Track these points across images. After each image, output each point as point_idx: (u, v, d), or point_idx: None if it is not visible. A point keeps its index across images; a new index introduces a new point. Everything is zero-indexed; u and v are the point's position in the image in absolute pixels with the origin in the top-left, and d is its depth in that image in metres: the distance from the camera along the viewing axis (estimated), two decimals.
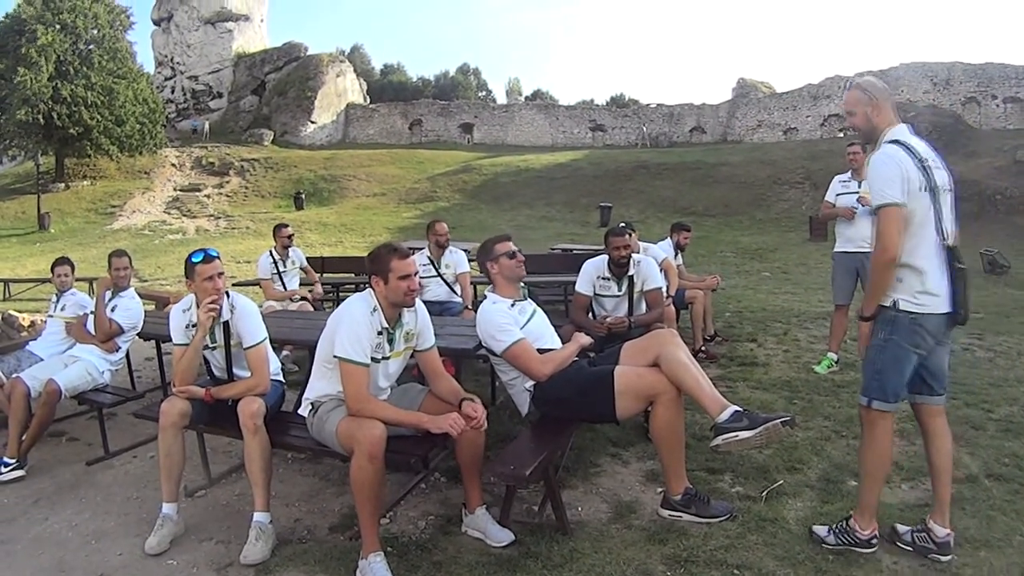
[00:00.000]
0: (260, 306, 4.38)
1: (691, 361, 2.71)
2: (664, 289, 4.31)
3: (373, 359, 2.52)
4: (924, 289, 2.24)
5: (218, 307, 2.84)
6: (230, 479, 3.31)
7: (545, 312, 3.25)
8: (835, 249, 4.98)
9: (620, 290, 3.96)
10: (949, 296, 2.27)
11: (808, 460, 3.22)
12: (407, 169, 24.58)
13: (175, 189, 23.50)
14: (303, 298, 5.78)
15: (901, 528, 2.46)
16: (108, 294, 4.07)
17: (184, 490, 3.01)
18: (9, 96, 21.05)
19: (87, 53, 23.45)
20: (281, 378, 3.13)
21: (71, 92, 21.72)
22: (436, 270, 5.20)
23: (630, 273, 3.93)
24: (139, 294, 4.32)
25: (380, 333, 2.55)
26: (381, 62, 47.05)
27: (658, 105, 31.17)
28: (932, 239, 2.26)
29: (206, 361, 3.03)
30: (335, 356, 2.47)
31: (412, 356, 2.76)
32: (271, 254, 5.90)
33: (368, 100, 34.27)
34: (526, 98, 42.48)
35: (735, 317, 7.21)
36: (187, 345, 2.87)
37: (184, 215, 21.03)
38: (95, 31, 24.03)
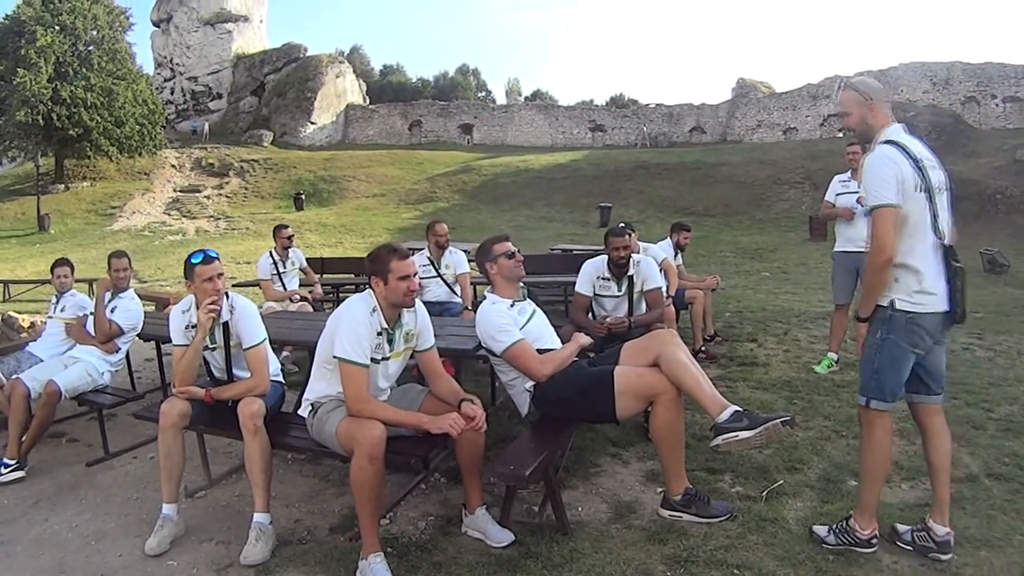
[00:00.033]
0: (260, 307, 4.39)
1: (691, 361, 2.71)
2: (664, 289, 4.31)
3: (373, 360, 2.52)
4: (921, 288, 2.25)
5: (218, 308, 2.84)
6: (230, 480, 3.31)
7: (545, 312, 3.25)
8: (835, 249, 4.98)
9: (620, 290, 3.96)
10: (946, 295, 2.27)
11: (808, 460, 3.22)
12: (407, 170, 24.59)
13: (175, 190, 23.50)
14: (303, 299, 5.78)
15: (901, 528, 2.46)
16: (108, 295, 4.07)
17: (184, 491, 3.01)
18: (8, 97, 21.06)
19: (86, 54, 23.45)
20: (281, 379, 3.13)
21: (70, 93, 21.71)
22: (436, 271, 5.20)
23: (630, 273, 3.94)
24: (139, 295, 4.32)
25: (380, 334, 2.55)
26: (380, 63, 47.14)
27: (657, 105, 31.18)
28: (929, 239, 2.26)
29: (206, 362, 3.03)
30: (335, 357, 2.47)
31: (412, 356, 2.76)
32: (271, 255, 5.91)
33: (368, 101, 34.27)
34: (526, 98, 42.49)
35: (735, 317, 7.21)
36: (187, 346, 2.87)
37: (184, 216, 21.03)
38: (94, 32, 24.04)
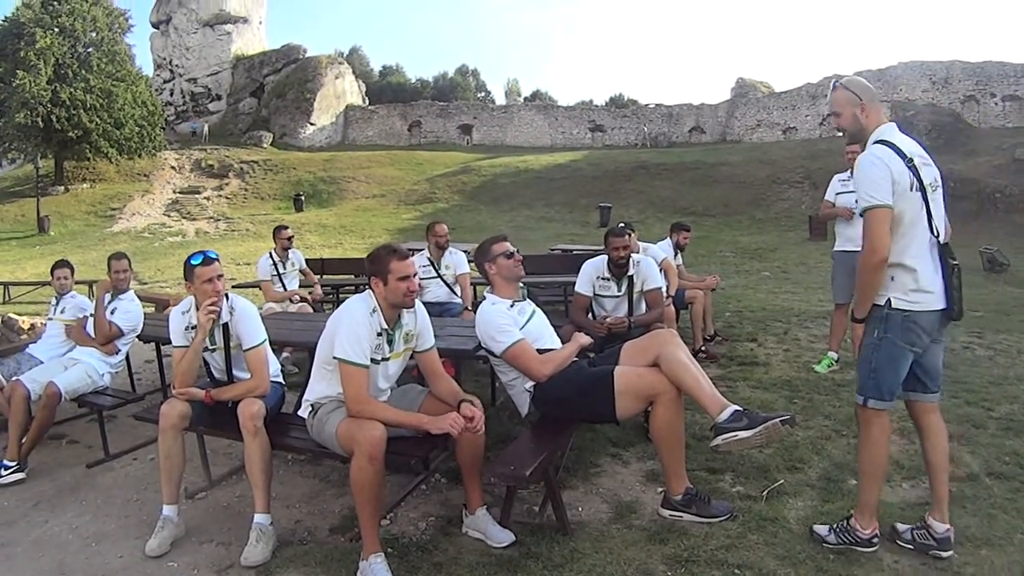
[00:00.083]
0: (260, 308, 4.38)
1: (691, 361, 2.71)
2: (664, 289, 4.31)
3: (373, 360, 2.51)
4: (917, 287, 2.25)
5: (218, 309, 2.84)
6: (230, 481, 3.30)
7: (545, 313, 3.24)
8: (835, 248, 4.99)
9: (620, 290, 3.96)
10: (943, 293, 2.27)
11: (809, 459, 3.22)
12: (406, 170, 24.60)
13: (174, 191, 23.51)
14: (303, 299, 5.78)
15: (901, 527, 2.46)
16: (108, 297, 4.07)
17: (184, 492, 3.01)
18: (8, 99, 21.08)
19: (86, 56, 23.47)
20: (281, 380, 3.13)
21: (70, 95, 21.73)
22: (436, 271, 5.20)
23: (630, 273, 3.94)
24: (139, 296, 4.32)
25: (380, 334, 2.55)
26: (380, 63, 47.23)
27: (657, 105, 31.21)
28: (924, 237, 2.26)
29: (206, 363, 3.03)
30: (335, 357, 2.47)
31: (412, 357, 2.76)
32: (271, 256, 5.91)
33: (367, 102, 34.29)
34: (525, 99, 42.51)
35: (735, 317, 7.21)
36: (187, 347, 2.87)
37: (184, 217, 21.04)
38: (94, 34, 24.06)
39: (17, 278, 12.23)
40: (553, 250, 9.55)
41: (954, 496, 2.72)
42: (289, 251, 6.00)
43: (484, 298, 3.07)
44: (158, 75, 32.67)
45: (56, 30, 22.44)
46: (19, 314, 6.85)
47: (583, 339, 3.06)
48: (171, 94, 32.22)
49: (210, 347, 2.94)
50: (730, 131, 28.67)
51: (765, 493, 2.86)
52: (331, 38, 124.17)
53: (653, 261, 4.17)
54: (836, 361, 4.91)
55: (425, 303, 3.32)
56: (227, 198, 23.03)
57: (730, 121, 28.90)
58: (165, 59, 32.84)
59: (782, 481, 2.97)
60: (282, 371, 3.25)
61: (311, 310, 5.60)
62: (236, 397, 2.78)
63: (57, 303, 4.16)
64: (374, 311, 2.54)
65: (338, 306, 2.89)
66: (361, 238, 16.90)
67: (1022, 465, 3.09)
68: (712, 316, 6.00)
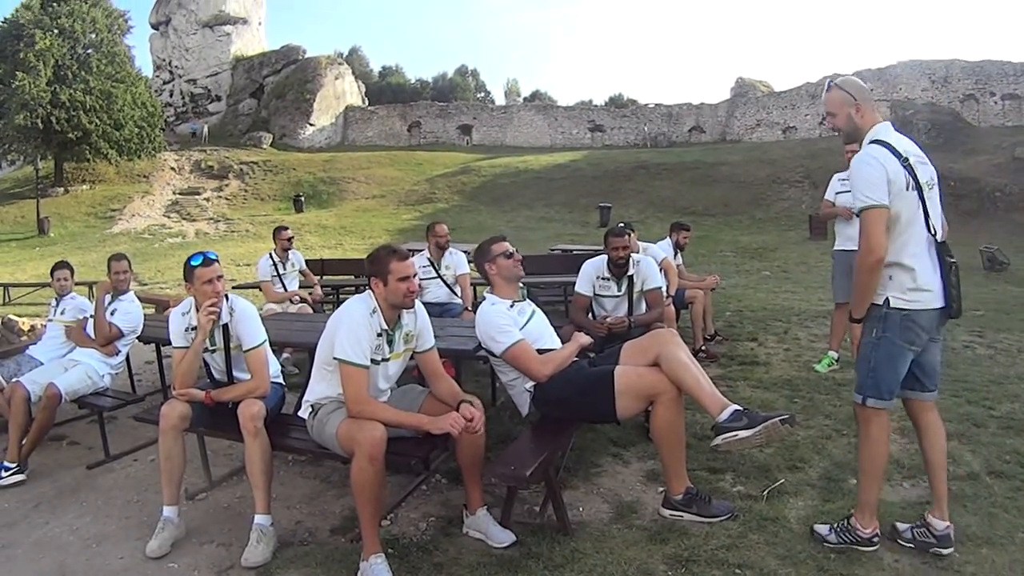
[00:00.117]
0: (260, 309, 4.39)
1: (691, 361, 2.71)
2: (664, 289, 4.31)
3: (373, 361, 2.51)
4: (916, 286, 2.25)
5: (218, 310, 2.84)
6: (231, 482, 3.30)
7: (545, 313, 3.25)
8: (835, 247, 4.98)
9: (620, 290, 3.96)
10: (941, 291, 2.27)
11: (809, 459, 3.22)
12: (406, 171, 24.60)
13: (174, 193, 23.51)
14: (303, 300, 5.79)
15: (901, 526, 2.46)
16: (108, 298, 4.07)
17: (185, 493, 3.00)
18: (8, 101, 21.10)
19: (85, 57, 23.48)
20: (281, 380, 3.13)
21: (69, 96, 21.73)
22: (436, 272, 5.20)
23: (630, 273, 3.94)
24: (139, 297, 4.32)
25: (380, 335, 2.55)
26: (380, 64, 47.24)
27: (657, 105, 31.21)
28: (921, 236, 2.27)
29: (206, 364, 3.03)
30: (335, 358, 2.47)
31: (412, 358, 2.76)
32: (271, 256, 5.91)
33: (366, 102, 34.30)
34: (525, 99, 42.54)
35: (735, 316, 7.21)
36: (187, 348, 2.87)
37: (183, 218, 21.04)
38: (93, 35, 24.07)
39: (17, 279, 12.24)
40: (553, 250, 9.55)
41: (955, 495, 2.72)
42: (289, 252, 6.00)
43: (484, 298, 3.07)
44: (157, 76, 32.68)
45: (56, 31, 22.46)
46: (19, 316, 6.85)
47: (583, 339, 3.05)
48: (171, 95, 32.23)
49: (210, 348, 2.94)
50: (730, 131, 28.68)
51: (766, 493, 2.86)
52: (331, 39, 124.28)
53: (653, 261, 4.17)
54: (836, 360, 4.91)
55: (425, 303, 3.32)
56: (227, 199, 23.03)
57: (730, 121, 28.90)
58: (164, 60, 32.85)
59: (783, 481, 2.97)
60: (282, 372, 3.25)
61: (311, 311, 5.60)
62: (236, 398, 2.78)
63: (57, 304, 4.16)
64: (374, 312, 2.54)
65: (338, 307, 2.89)
66: (361, 239, 16.89)
67: (1023, 464, 3.08)
68: (712, 316, 6.00)
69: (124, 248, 15.36)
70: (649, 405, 2.73)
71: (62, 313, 4.09)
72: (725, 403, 2.54)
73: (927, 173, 2.30)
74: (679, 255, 6.06)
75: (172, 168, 25.35)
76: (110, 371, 3.99)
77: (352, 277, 7.92)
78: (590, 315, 4.01)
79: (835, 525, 2.45)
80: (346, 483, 2.60)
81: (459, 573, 2.38)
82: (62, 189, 23.03)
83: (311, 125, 29.77)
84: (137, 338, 4.23)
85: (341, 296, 7.02)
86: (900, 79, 25.83)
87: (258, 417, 2.66)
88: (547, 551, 2.45)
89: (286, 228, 6.09)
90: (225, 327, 2.91)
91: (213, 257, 2.88)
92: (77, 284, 4.53)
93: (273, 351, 3.13)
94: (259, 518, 2.59)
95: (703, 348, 5.27)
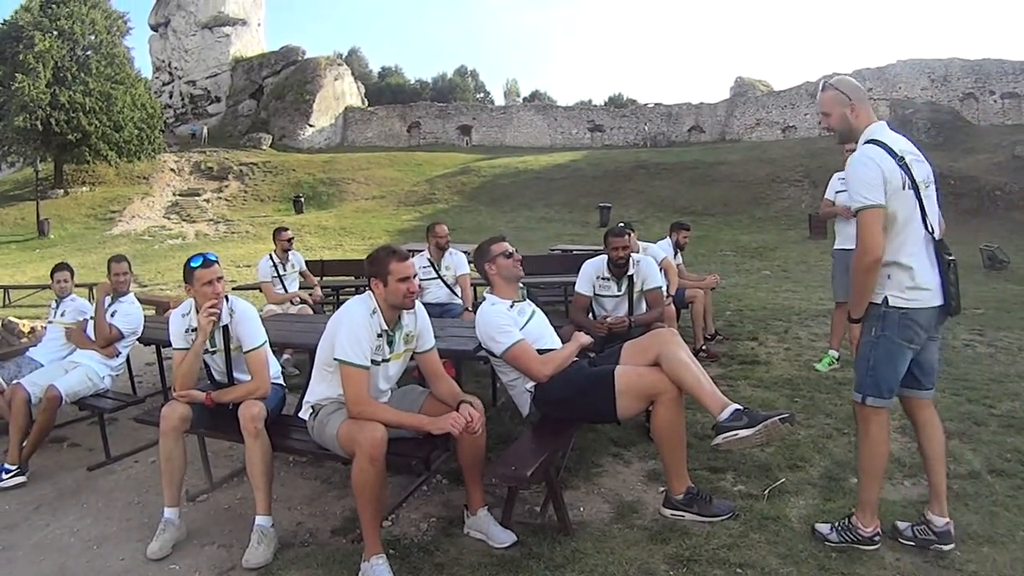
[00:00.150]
0: (260, 310, 4.38)
1: (692, 360, 2.71)
2: (664, 288, 4.31)
3: (373, 361, 2.51)
4: (914, 284, 2.25)
5: (218, 311, 2.83)
6: (231, 483, 3.30)
7: (545, 313, 3.24)
8: (835, 246, 4.99)
9: (620, 290, 3.96)
10: (940, 289, 2.27)
11: (810, 458, 3.22)
12: (406, 172, 24.61)
13: (174, 194, 23.51)
14: (303, 301, 5.79)
15: (901, 525, 2.46)
16: (108, 299, 4.07)
17: (186, 494, 3.00)
18: (7, 103, 21.11)
19: (85, 59, 23.48)
20: (281, 381, 3.13)
21: (69, 98, 21.74)
22: (436, 272, 5.20)
23: (630, 273, 3.94)
24: (139, 299, 4.32)
25: (380, 335, 2.55)
26: (379, 64, 47.36)
27: (656, 105, 31.21)
28: (919, 234, 2.27)
29: (206, 365, 3.03)
30: (335, 359, 2.47)
31: (412, 358, 2.76)
32: (271, 257, 5.91)
33: (366, 103, 34.30)
34: (524, 99, 42.56)
35: (736, 316, 7.21)
36: (187, 350, 2.87)
37: (183, 220, 21.04)
38: (92, 37, 24.07)
39: (17, 281, 12.23)
40: (553, 250, 9.55)
41: (956, 493, 2.73)
42: (289, 253, 6.00)
43: (484, 299, 3.07)
44: (157, 78, 32.70)
45: (55, 33, 22.46)
46: (19, 317, 6.84)
47: (583, 339, 3.05)
48: (170, 96, 32.26)
49: (210, 349, 2.94)
50: (729, 130, 28.68)
51: (767, 492, 2.86)
52: (330, 39, 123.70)
53: (653, 260, 4.17)
54: (837, 359, 4.91)
55: (425, 304, 3.32)
56: (227, 200, 23.04)
57: (729, 120, 28.90)
58: (164, 62, 32.86)
59: (784, 480, 2.97)
60: (283, 373, 3.25)
61: (311, 312, 5.60)
62: (237, 399, 2.78)
63: (57, 306, 4.16)
64: (374, 312, 2.54)
65: (338, 308, 2.89)
66: (361, 239, 16.90)
67: (1023, 462, 3.08)
68: (712, 315, 6.00)
69: (124, 250, 15.35)
70: (650, 405, 2.72)
71: (62, 315, 4.09)
72: (726, 402, 2.54)
73: (923, 171, 2.30)
74: (679, 255, 6.06)
75: (172, 169, 25.35)
76: (110, 373, 3.99)
77: (352, 278, 7.93)
78: (590, 315, 4.01)
79: (836, 524, 2.45)
80: (347, 484, 2.60)
81: (460, 573, 2.38)
82: (62, 191, 23.03)
83: (311, 126, 29.78)
84: (137, 340, 4.23)
85: (341, 297, 7.02)
86: (899, 78, 25.84)
87: (259, 418, 2.66)
88: (548, 551, 2.45)
89: (286, 229, 6.09)
90: (225, 328, 2.91)
91: (213, 258, 2.88)
92: (77, 286, 4.53)
93: (273, 352, 3.13)
94: (260, 519, 2.59)
95: (703, 347, 5.27)
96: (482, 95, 45.96)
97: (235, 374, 2.97)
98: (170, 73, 32.74)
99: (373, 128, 31.60)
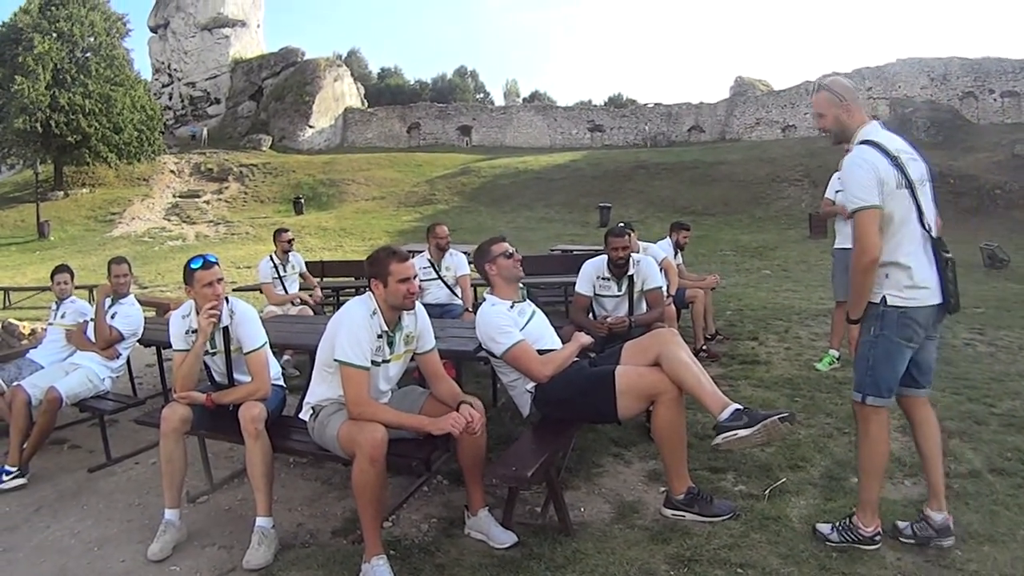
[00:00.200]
0: (261, 311, 4.39)
1: (692, 360, 2.71)
2: (664, 288, 4.31)
3: (373, 362, 2.51)
4: (912, 283, 2.25)
5: (218, 313, 2.84)
6: (232, 484, 3.30)
7: (545, 313, 3.24)
8: (835, 246, 4.98)
9: (620, 290, 3.96)
10: (939, 287, 2.27)
11: (811, 457, 3.22)
12: (406, 172, 24.62)
13: (174, 196, 23.53)
14: (303, 302, 5.79)
15: (901, 524, 2.46)
16: (108, 301, 4.07)
17: (186, 496, 3.00)
18: (7, 105, 21.13)
19: (84, 61, 23.51)
20: (282, 382, 3.13)
21: (69, 100, 21.76)
22: (436, 273, 5.20)
23: (630, 273, 3.93)
24: (139, 301, 4.32)
25: (380, 336, 2.55)
26: (379, 65, 47.35)
27: (656, 105, 31.23)
28: (916, 233, 2.27)
29: (206, 367, 3.03)
30: (335, 360, 2.47)
31: (412, 359, 2.76)
32: (271, 259, 5.92)
33: (366, 104, 34.32)
34: (524, 99, 42.57)
35: (736, 315, 7.20)
36: (187, 351, 2.87)
37: (184, 221, 21.05)
38: (92, 39, 24.09)
39: (17, 283, 12.24)
40: (553, 250, 9.55)
41: (957, 493, 2.73)
42: (289, 254, 6.00)
43: (484, 299, 3.07)
44: (156, 79, 32.72)
45: (54, 35, 22.48)
46: (19, 319, 6.84)
47: (584, 339, 3.06)
48: (170, 98, 32.27)
49: (211, 351, 2.94)
50: (729, 130, 28.69)
51: (767, 492, 2.86)
52: (329, 40, 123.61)
53: (653, 260, 4.17)
54: (837, 359, 4.91)
55: (426, 305, 3.32)
56: (227, 202, 23.05)
57: (729, 120, 28.91)
58: (163, 63, 32.89)
59: (784, 480, 2.97)
60: (283, 374, 3.25)
61: (311, 313, 5.60)
62: (237, 400, 2.78)
63: (57, 308, 4.16)
64: (374, 313, 2.54)
65: (338, 309, 2.90)
66: (361, 240, 16.90)
67: None
68: (713, 315, 6.00)
69: (124, 251, 15.36)
70: (650, 405, 2.72)
71: (62, 317, 4.09)
72: (726, 402, 2.54)
73: (918, 170, 2.30)
74: (679, 255, 6.06)
75: (172, 171, 25.37)
76: (111, 374, 3.98)
77: (352, 279, 7.93)
78: (590, 315, 4.01)
79: (837, 524, 2.44)
80: (347, 485, 2.60)
81: (461, 574, 2.37)
82: (62, 193, 23.05)
83: (310, 127, 29.80)
84: (138, 341, 4.23)
85: (341, 298, 7.02)
86: (899, 77, 25.85)
87: (259, 419, 2.66)
88: (549, 552, 2.45)
89: (286, 230, 6.09)
90: (225, 330, 2.91)
91: (213, 260, 2.88)
92: (77, 288, 4.54)
93: (274, 353, 3.13)
94: (260, 520, 2.59)
95: (704, 347, 5.27)
96: (482, 95, 45.99)
97: (235, 375, 2.98)
98: (169, 75, 32.77)
99: (373, 129, 31.62)
